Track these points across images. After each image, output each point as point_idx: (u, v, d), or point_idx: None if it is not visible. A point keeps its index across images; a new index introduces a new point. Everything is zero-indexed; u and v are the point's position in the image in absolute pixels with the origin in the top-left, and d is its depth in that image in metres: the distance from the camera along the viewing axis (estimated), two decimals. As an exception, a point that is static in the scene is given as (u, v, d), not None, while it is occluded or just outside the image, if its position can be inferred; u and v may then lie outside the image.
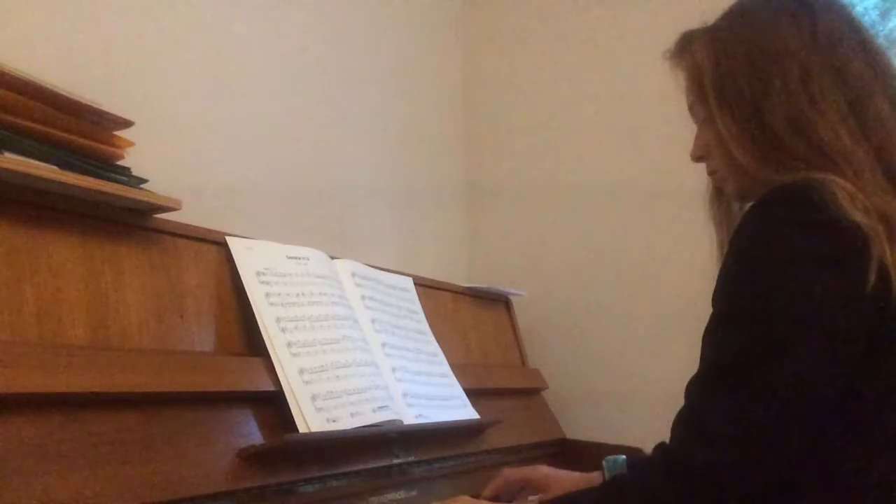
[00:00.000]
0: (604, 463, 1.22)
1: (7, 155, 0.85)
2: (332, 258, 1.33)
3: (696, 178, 1.08)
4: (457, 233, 2.16)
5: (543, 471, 1.25)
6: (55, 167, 0.89)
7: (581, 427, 1.79)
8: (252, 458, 0.99)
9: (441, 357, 1.48)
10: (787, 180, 0.83)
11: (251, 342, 1.11)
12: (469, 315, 1.72)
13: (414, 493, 1.24)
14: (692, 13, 1.00)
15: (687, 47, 0.98)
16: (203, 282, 1.09)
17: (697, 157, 1.01)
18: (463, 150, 2.22)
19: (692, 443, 0.81)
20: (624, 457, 1.16)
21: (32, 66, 0.90)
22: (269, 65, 1.58)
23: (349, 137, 1.78)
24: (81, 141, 0.94)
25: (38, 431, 0.80)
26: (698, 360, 0.86)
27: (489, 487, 1.24)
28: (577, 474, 1.23)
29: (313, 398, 1.09)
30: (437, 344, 1.49)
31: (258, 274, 1.15)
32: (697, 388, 0.83)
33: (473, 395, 1.48)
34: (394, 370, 1.31)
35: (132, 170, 1.00)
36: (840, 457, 0.80)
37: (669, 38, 1.01)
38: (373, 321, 1.34)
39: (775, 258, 0.79)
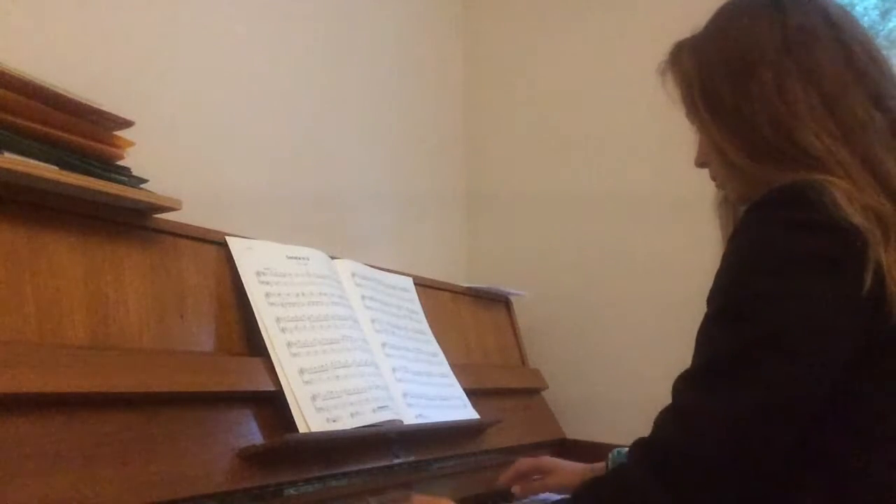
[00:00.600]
0: (609, 455, 1.24)
1: (7, 155, 0.85)
2: (332, 258, 1.33)
3: (696, 182, 1.08)
4: (457, 233, 2.17)
5: (550, 459, 1.36)
6: (55, 167, 0.89)
7: (581, 427, 1.79)
8: (252, 458, 0.99)
9: (441, 357, 1.48)
10: (785, 181, 0.83)
11: (251, 342, 1.11)
12: (469, 315, 1.72)
13: (414, 493, 1.23)
14: (693, 18, 1.00)
15: (677, 59, 0.98)
16: (203, 282, 1.09)
17: (700, 164, 1.02)
18: (463, 150, 2.22)
19: (672, 433, 0.81)
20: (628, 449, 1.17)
21: (32, 67, 0.90)
22: (269, 65, 1.58)
23: (349, 137, 1.78)
24: (81, 141, 0.94)
25: (38, 431, 0.80)
26: (695, 359, 0.86)
27: (505, 476, 1.32)
28: (581, 465, 1.27)
29: (313, 398, 1.09)
30: (437, 344, 1.49)
31: (258, 274, 1.15)
32: (685, 384, 0.83)
33: (473, 395, 1.48)
34: (394, 370, 1.32)
35: (132, 170, 1.01)
36: (839, 457, 0.80)
37: (670, 43, 1.01)
38: (373, 321, 1.34)
39: (772, 258, 0.79)
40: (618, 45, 1.94)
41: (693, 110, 0.96)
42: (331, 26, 1.75)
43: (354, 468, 1.15)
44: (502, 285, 1.84)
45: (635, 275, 1.87)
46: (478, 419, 1.44)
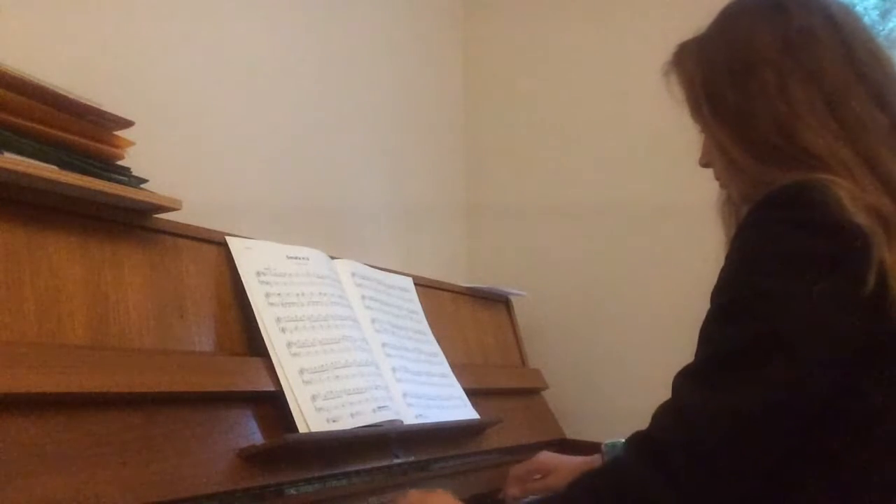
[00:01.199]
0: (603, 447, 1.24)
1: (7, 155, 0.85)
2: (332, 258, 1.33)
3: (695, 185, 1.09)
4: (457, 233, 2.17)
5: (543, 457, 1.37)
6: (55, 167, 0.89)
7: (581, 427, 1.79)
8: (252, 458, 0.99)
9: (441, 357, 1.48)
10: (788, 180, 0.83)
11: (251, 342, 1.11)
12: (469, 315, 1.72)
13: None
14: (694, 24, 1.00)
15: (680, 60, 0.99)
16: (203, 282, 1.09)
17: (704, 164, 1.02)
18: (463, 150, 2.22)
19: (673, 428, 0.80)
20: (623, 440, 1.17)
21: (32, 67, 0.90)
22: (270, 66, 1.58)
23: (350, 136, 1.78)
24: (81, 141, 0.94)
25: (38, 431, 0.80)
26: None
27: (507, 490, 1.33)
28: (577, 458, 1.27)
29: (313, 398, 1.09)
30: (437, 344, 1.49)
31: (258, 274, 1.15)
32: (686, 379, 0.82)
33: (473, 395, 1.48)
34: (394, 370, 1.32)
35: (132, 170, 1.00)
36: (841, 458, 0.79)
37: (670, 52, 1.01)
38: (373, 321, 1.34)
39: (774, 257, 0.79)
40: (617, 55, 1.95)
41: (696, 111, 0.96)
42: (332, 30, 1.75)
43: (354, 468, 1.15)
44: (502, 285, 1.84)
45: (635, 275, 1.87)
46: (478, 419, 1.44)
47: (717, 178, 1.01)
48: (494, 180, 2.16)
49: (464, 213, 2.19)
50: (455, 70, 2.22)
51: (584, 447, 1.68)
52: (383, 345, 1.33)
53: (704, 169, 1.04)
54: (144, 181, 1.02)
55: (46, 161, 0.89)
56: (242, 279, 1.12)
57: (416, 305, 1.51)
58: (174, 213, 1.05)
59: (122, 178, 0.98)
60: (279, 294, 1.15)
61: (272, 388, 1.06)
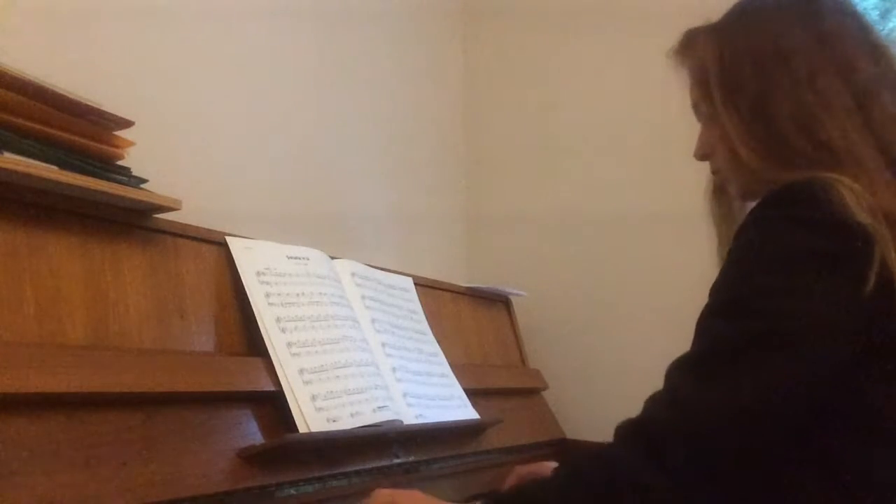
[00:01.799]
0: None
1: (7, 155, 0.85)
2: (332, 258, 1.33)
3: (695, 187, 1.09)
4: (457, 233, 2.17)
5: (550, 465, 1.29)
6: (55, 167, 0.89)
7: (581, 427, 1.78)
8: (252, 458, 0.99)
9: (441, 357, 1.48)
10: (792, 179, 0.83)
11: (251, 342, 1.11)
12: (469, 315, 1.72)
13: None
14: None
15: (691, 45, 0.98)
16: (203, 282, 1.09)
17: (701, 156, 1.01)
18: (463, 150, 2.22)
19: (667, 416, 0.79)
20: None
21: (33, 67, 0.90)
22: (270, 66, 1.58)
23: (349, 135, 1.78)
24: (81, 141, 0.94)
25: (38, 431, 0.80)
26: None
27: (506, 487, 1.27)
28: None
29: (313, 398, 1.09)
30: (437, 344, 1.49)
31: (258, 274, 1.15)
32: (681, 369, 0.82)
33: (473, 395, 1.48)
34: (394, 370, 1.31)
35: (132, 170, 1.00)
36: (841, 458, 0.80)
37: (666, 66, 1.01)
38: (373, 321, 1.34)
39: (776, 254, 0.79)
40: (617, 63, 1.95)
41: (706, 99, 0.95)
42: (334, 36, 1.75)
43: (354, 468, 1.15)
44: (502, 285, 1.84)
45: (635, 275, 1.87)
46: (478, 419, 1.44)
47: (716, 172, 1.01)
48: (495, 182, 2.17)
49: (464, 214, 2.19)
50: (456, 78, 2.23)
51: (584, 447, 1.68)
52: (383, 345, 1.33)
53: (707, 175, 1.03)
54: (144, 181, 1.02)
55: (46, 161, 0.89)
56: (242, 279, 1.12)
57: (416, 305, 1.51)
58: (174, 213, 1.05)
59: (122, 178, 0.98)
60: (279, 294, 1.15)
61: (272, 388, 1.06)
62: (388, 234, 1.86)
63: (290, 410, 1.06)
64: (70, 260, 0.93)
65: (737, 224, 0.89)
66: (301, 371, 1.10)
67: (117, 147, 0.99)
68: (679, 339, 0.86)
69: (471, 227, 2.19)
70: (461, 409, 1.43)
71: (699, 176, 1.07)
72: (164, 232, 1.06)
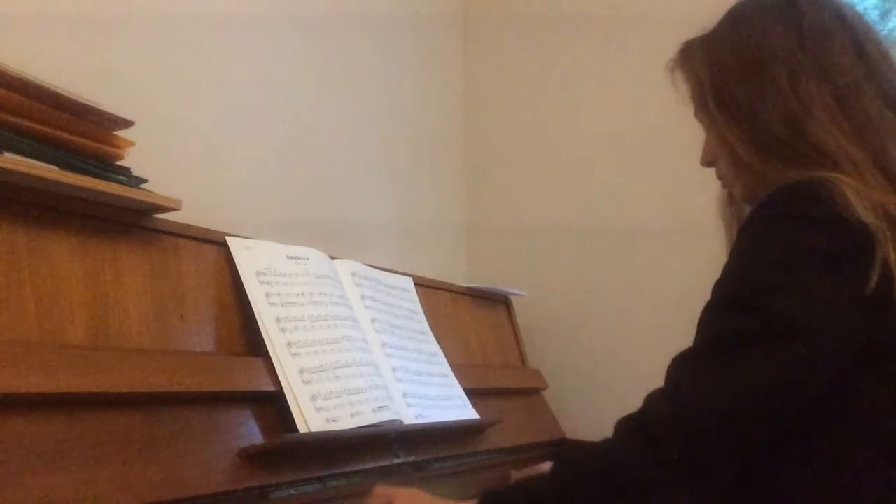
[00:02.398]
0: None
1: (7, 155, 0.85)
2: (332, 258, 1.33)
3: (695, 188, 1.09)
4: (457, 233, 2.17)
5: (547, 467, 1.28)
6: (55, 167, 0.89)
7: (581, 427, 1.78)
8: (252, 458, 0.99)
9: (441, 357, 1.48)
10: (795, 178, 0.83)
11: (251, 342, 1.11)
12: (469, 315, 1.72)
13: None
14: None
15: (686, 58, 0.99)
16: (203, 282, 1.09)
17: (707, 163, 1.01)
18: (464, 152, 2.22)
19: (668, 411, 0.79)
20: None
21: (33, 67, 0.90)
22: (270, 67, 1.58)
23: (351, 137, 1.78)
24: (81, 141, 0.94)
25: (38, 431, 0.80)
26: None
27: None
28: None
29: (313, 398, 1.09)
30: (436, 344, 1.49)
31: (258, 274, 1.15)
32: (683, 365, 0.82)
33: (473, 395, 1.48)
34: (394, 370, 1.31)
35: (132, 170, 1.00)
36: (841, 458, 0.80)
37: (666, 76, 1.01)
38: (373, 321, 1.34)
39: (779, 253, 0.79)
40: (616, 71, 1.96)
41: (703, 108, 0.96)
42: (335, 42, 1.75)
43: (354, 468, 1.15)
44: (502, 285, 1.84)
45: (635, 275, 1.87)
46: (478, 419, 1.44)
47: (720, 178, 1.01)
48: (495, 183, 2.17)
49: (464, 214, 2.19)
50: (456, 86, 2.24)
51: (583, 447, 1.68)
52: (383, 345, 1.33)
53: (702, 179, 1.04)
54: (144, 181, 1.02)
55: (46, 161, 0.89)
56: (242, 279, 1.12)
57: (416, 305, 1.51)
58: (174, 213, 1.05)
59: (121, 178, 0.98)
60: (279, 294, 1.15)
61: (272, 388, 1.06)
62: (388, 234, 1.86)
63: (290, 410, 1.06)
64: (70, 260, 0.93)
65: None
66: (301, 371, 1.10)
67: (117, 147, 0.99)
68: (679, 339, 0.86)
69: (471, 226, 2.19)
70: (461, 409, 1.43)
71: (696, 179, 1.07)
72: (164, 232, 1.06)
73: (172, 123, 1.35)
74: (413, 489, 1.03)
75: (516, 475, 1.28)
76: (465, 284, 1.77)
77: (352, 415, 1.13)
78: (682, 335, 0.87)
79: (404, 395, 1.30)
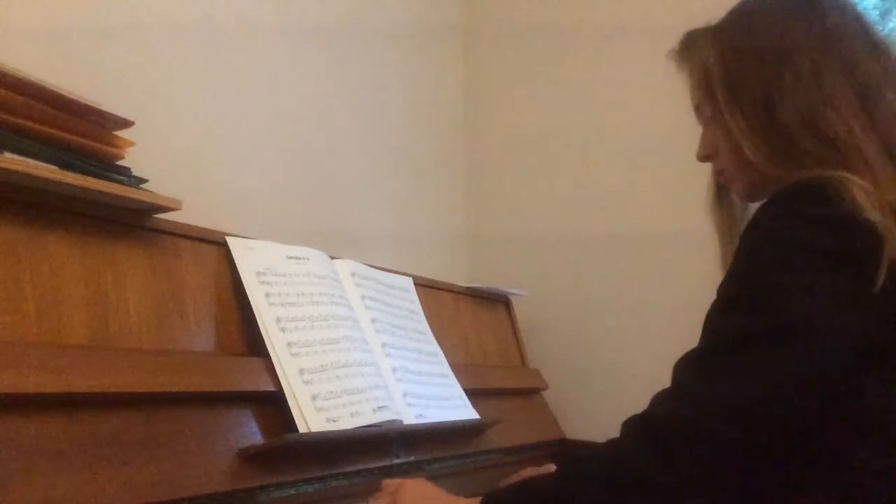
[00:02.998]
0: None
1: (7, 155, 0.85)
2: (332, 258, 1.33)
3: (695, 189, 1.09)
4: (457, 233, 2.17)
5: (552, 469, 1.28)
6: (55, 167, 0.89)
7: (581, 427, 1.78)
8: (252, 458, 0.99)
9: (441, 357, 1.48)
10: (801, 177, 0.83)
11: (251, 342, 1.11)
12: (469, 315, 1.72)
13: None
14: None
15: (691, 46, 0.98)
16: (203, 282, 1.09)
17: (704, 157, 1.00)
18: (464, 154, 2.22)
19: (675, 411, 0.79)
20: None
21: (32, 67, 0.90)
22: (271, 70, 1.58)
23: (351, 139, 1.78)
24: (81, 141, 0.94)
25: (38, 431, 0.80)
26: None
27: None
28: None
29: (313, 398, 1.09)
30: (437, 344, 1.49)
31: (258, 274, 1.15)
32: (690, 365, 0.82)
33: (473, 395, 1.48)
34: (394, 370, 1.31)
35: (132, 170, 1.00)
36: (841, 458, 0.79)
37: (670, 76, 1.01)
38: (373, 321, 1.34)
39: (786, 252, 0.79)
40: (615, 78, 1.96)
41: (709, 99, 0.95)
42: (335, 45, 1.75)
43: (354, 468, 1.15)
44: (502, 285, 1.84)
45: (635, 275, 1.87)
46: (478, 419, 1.44)
47: (720, 173, 1.00)
48: (495, 184, 2.18)
49: (464, 214, 2.20)
50: (456, 91, 2.24)
51: (584, 447, 1.68)
52: (383, 345, 1.33)
53: (700, 181, 1.03)
54: (144, 181, 1.02)
55: (46, 161, 0.89)
56: (242, 279, 1.12)
57: (417, 305, 1.51)
58: (174, 213, 1.05)
59: (121, 178, 0.98)
60: (279, 294, 1.15)
61: (272, 388, 1.06)
62: (389, 237, 1.86)
63: (290, 410, 1.06)
64: (70, 260, 0.93)
65: (740, 228, 0.89)
66: (301, 371, 1.10)
67: (117, 147, 0.99)
68: (679, 340, 0.86)
69: (471, 226, 2.19)
70: (461, 409, 1.43)
71: (696, 181, 1.07)
72: (164, 232, 1.06)
73: (172, 123, 1.35)
74: (420, 479, 1.02)
75: (526, 472, 1.28)
76: (465, 284, 1.76)
77: (352, 415, 1.13)
78: (682, 335, 0.87)
79: (404, 395, 1.30)
